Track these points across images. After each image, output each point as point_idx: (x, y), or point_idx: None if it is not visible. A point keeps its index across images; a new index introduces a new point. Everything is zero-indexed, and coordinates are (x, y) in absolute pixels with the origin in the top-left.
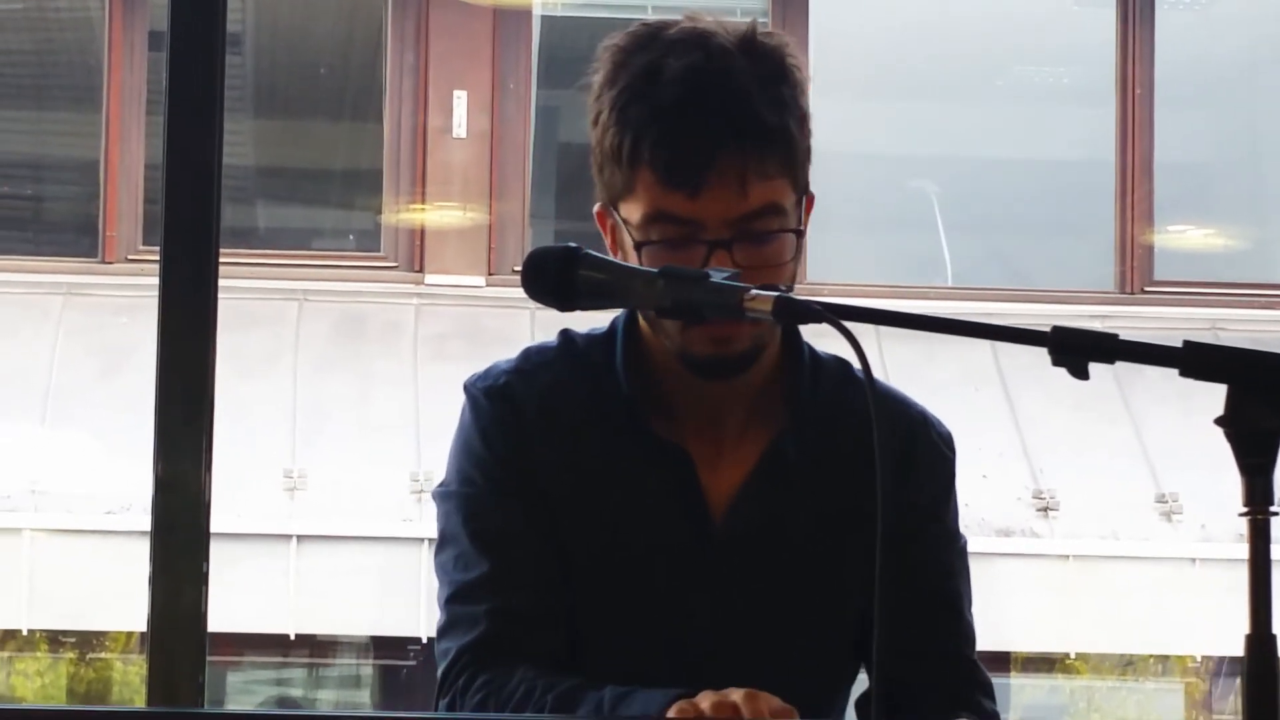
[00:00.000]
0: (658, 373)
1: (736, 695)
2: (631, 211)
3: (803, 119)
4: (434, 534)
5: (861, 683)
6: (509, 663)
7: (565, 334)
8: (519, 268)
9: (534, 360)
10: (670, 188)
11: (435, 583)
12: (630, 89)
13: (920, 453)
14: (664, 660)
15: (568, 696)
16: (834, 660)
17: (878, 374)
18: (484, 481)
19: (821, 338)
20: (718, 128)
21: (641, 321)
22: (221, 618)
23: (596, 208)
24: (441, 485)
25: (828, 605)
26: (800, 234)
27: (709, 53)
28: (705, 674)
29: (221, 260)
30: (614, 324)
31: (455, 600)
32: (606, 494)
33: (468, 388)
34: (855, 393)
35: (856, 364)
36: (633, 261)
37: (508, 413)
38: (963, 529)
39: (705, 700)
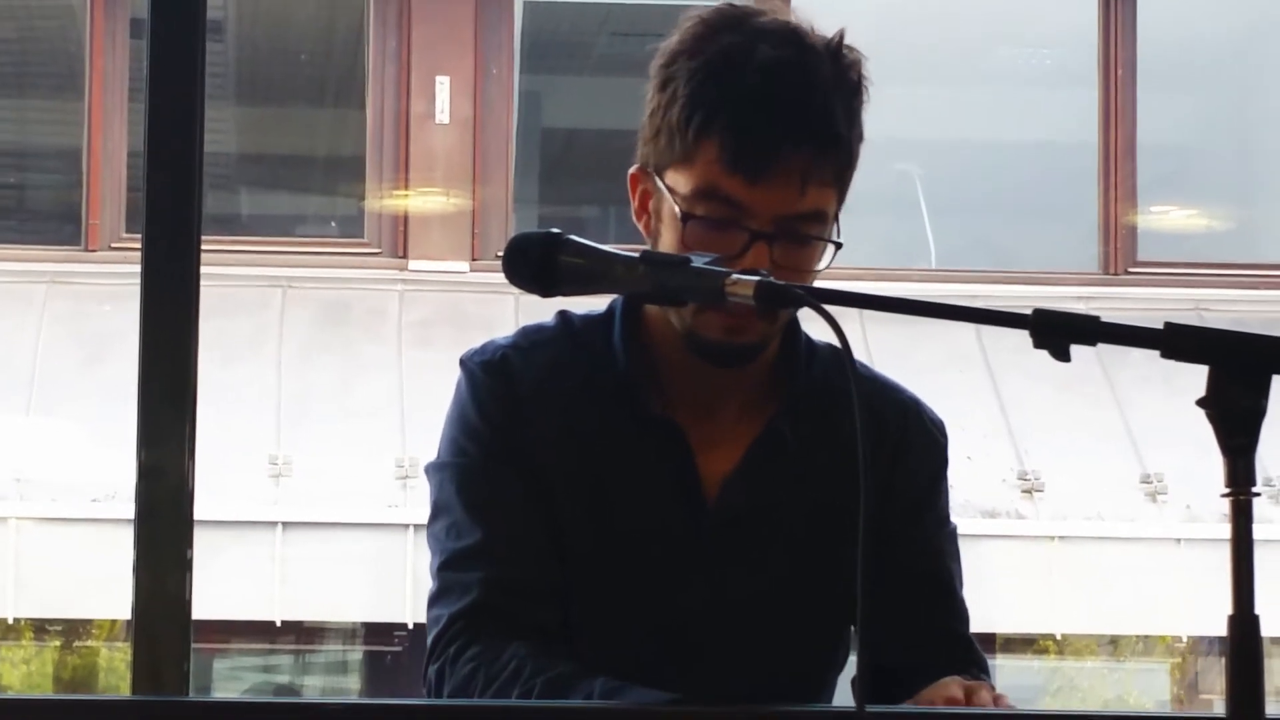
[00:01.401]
0: (656, 354)
1: None
2: (681, 182)
3: (860, 136)
4: (419, 519)
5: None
6: (501, 633)
7: (563, 314)
8: (502, 253)
9: (531, 337)
10: (732, 169)
11: (421, 566)
12: (716, 63)
13: (912, 439)
14: (656, 638)
15: (557, 683)
16: (827, 641)
17: (861, 357)
18: (478, 452)
19: (805, 321)
20: (796, 124)
21: (647, 305)
22: (207, 605)
23: (633, 169)
24: (435, 459)
25: (821, 587)
26: (839, 246)
27: (801, 49)
28: (697, 653)
29: (204, 248)
30: (612, 306)
31: (447, 567)
32: (600, 471)
33: (464, 361)
34: (848, 379)
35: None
36: (667, 229)
37: (503, 386)
38: None
39: None
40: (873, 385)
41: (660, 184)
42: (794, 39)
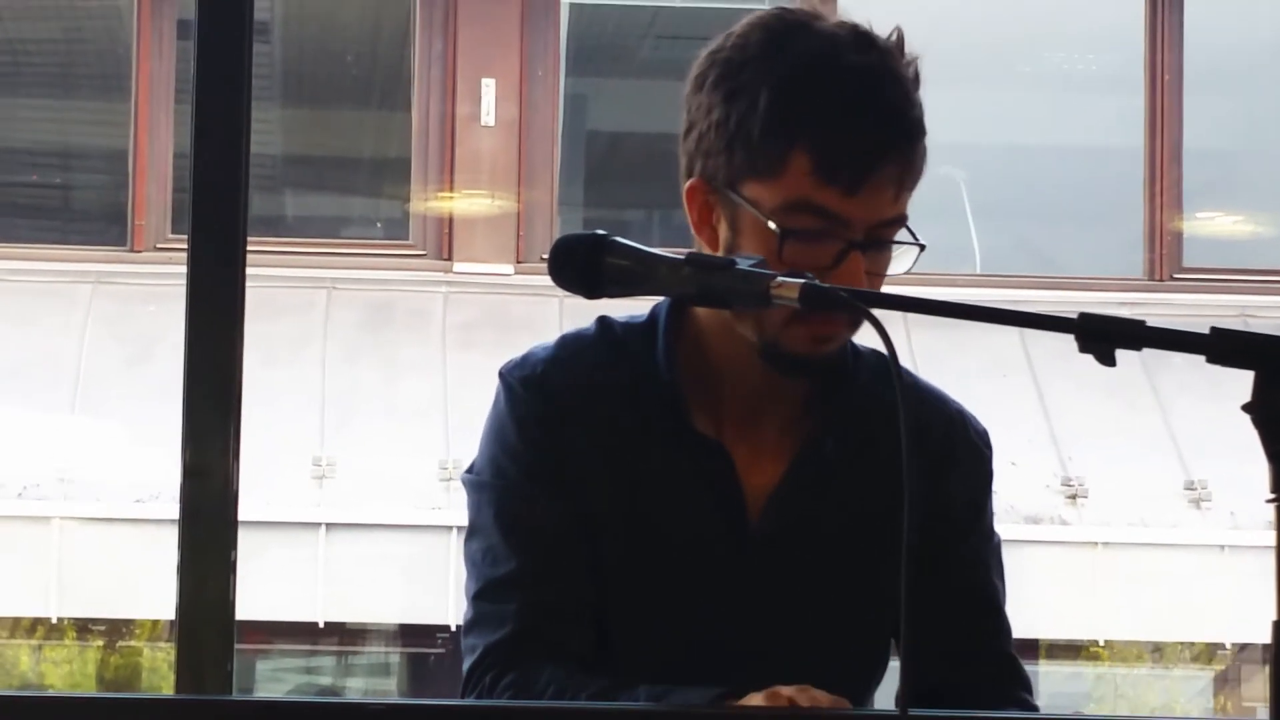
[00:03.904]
0: (703, 363)
1: (788, 692)
2: (767, 195)
3: None
4: (462, 522)
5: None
6: (536, 660)
7: (603, 321)
8: (547, 255)
9: (571, 348)
10: (827, 181)
11: (463, 571)
12: (800, 74)
13: (959, 452)
14: (696, 657)
15: (599, 698)
16: (869, 657)
17: (906, 362)
18: (517, 474)
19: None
20: (890, 130)
21: (699, 310)
22: (250, 606)
23: (692, 182)
24: (473, 472)
25: (863, 604)
26: (923, 248)
27: (880, 52)
28: (736, 671)
29: (250, 249)
30: (654, 312)
31: (483, 597)
32: (642, 489)
33: (504, 375)
34: (893, 389)
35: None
36: (750, 242)
37: (544, 403)
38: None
39: (756, 700)
40: (918, 395)
41: (736, 198)
42: (869, 43)
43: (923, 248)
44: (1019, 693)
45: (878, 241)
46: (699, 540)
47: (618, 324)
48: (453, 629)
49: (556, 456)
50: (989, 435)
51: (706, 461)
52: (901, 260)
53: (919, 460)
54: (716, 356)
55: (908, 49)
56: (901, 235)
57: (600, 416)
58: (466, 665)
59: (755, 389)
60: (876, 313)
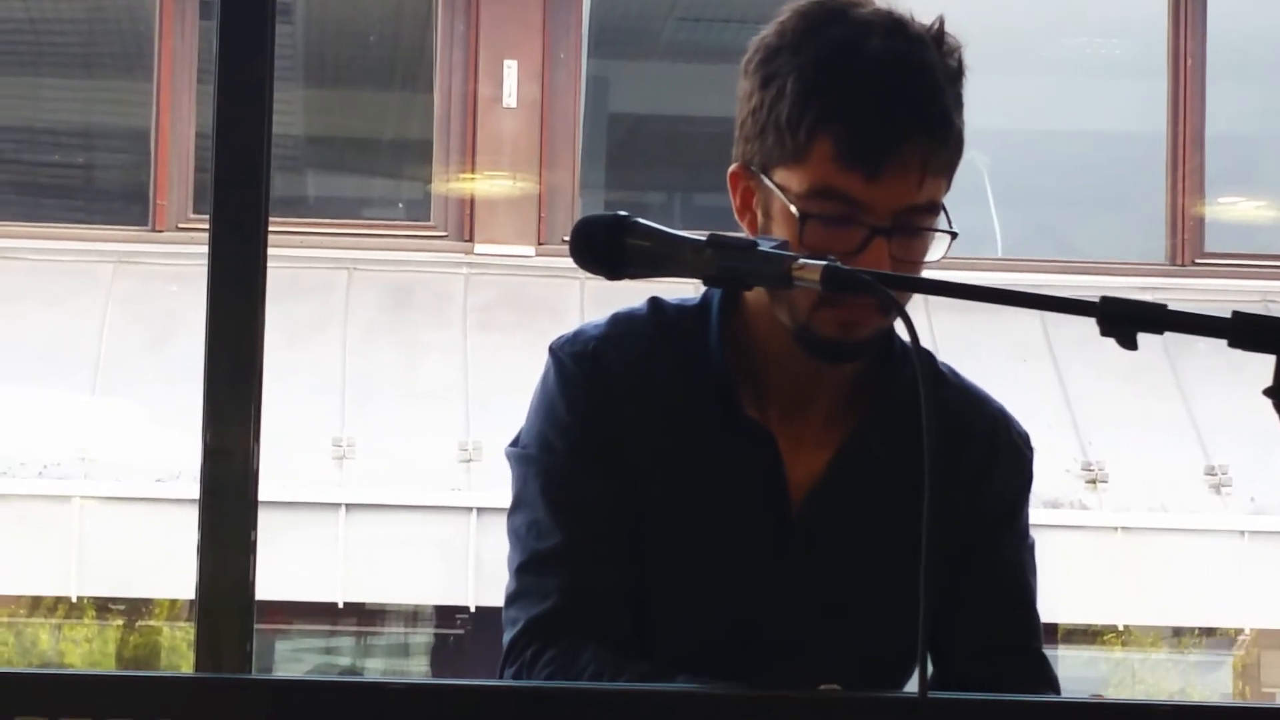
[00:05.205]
0: (752, 348)
1: None
2: (794, 180)
3: (964, 123)
4: (482, 503)
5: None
6: (577, 638)
7: (655, 301)
8: (568, 237)
9: (623, 327)
10: (848, 166)
11: (484, 549)
12: (825, 60)
13: (1001, 454)
14: (731, 642)
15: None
16: (901, 651)
17: (927, 345)
18: (565, 449)
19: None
20: (911, 117)
21: (749, 295)
22: (270, 586)
23: (733, 168)
24: (519, 445)
25: (900, 597)
26: (955, 236)
27: (909, 40)
28: (771, 658)
29: (271, 229)
30: (707, 295)
31: (527, 570)
32: (687, 471)
33: (554, 350)
34: (940, 386)
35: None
36: (779, 227)
37: (595, 380)
38: None
39: None
40: (961, 395)
41: (769, 183)
42: (900, 29)
43: (954, 235)
44: (1046, 690)
45: (905, 228)
46: (740, 526)
47: (669, 305)
48: (472, 610)
49: (605, 434)
50: (1029, 437)
51: (753, 447)
52: (936, 248)
53: (962, 461)
54: (763, 342)
55: (949, 39)
56: (937, 222)
57: (650, 396)
58: (507, 638)
59: (799, 376)
60: (901, 296)
